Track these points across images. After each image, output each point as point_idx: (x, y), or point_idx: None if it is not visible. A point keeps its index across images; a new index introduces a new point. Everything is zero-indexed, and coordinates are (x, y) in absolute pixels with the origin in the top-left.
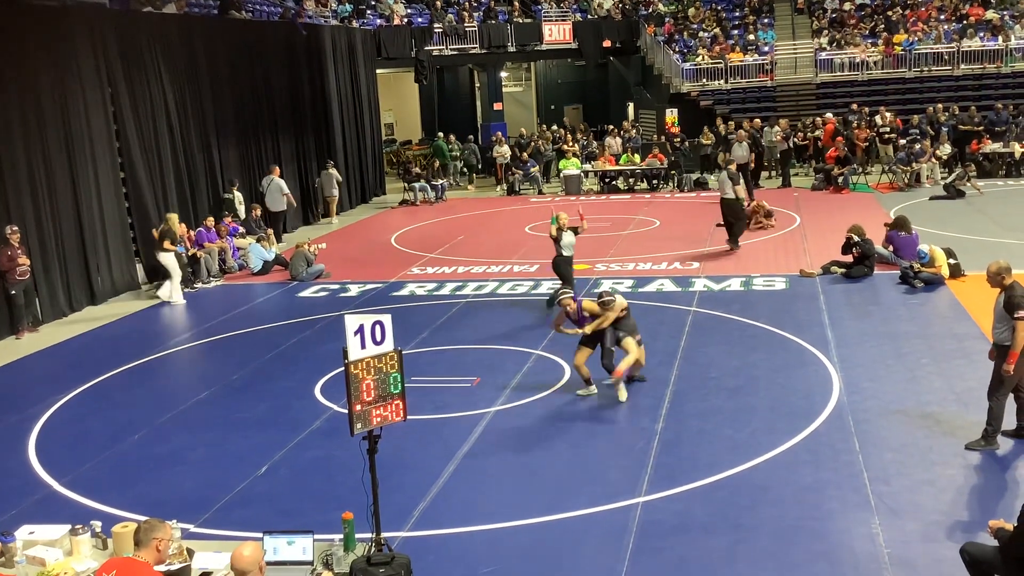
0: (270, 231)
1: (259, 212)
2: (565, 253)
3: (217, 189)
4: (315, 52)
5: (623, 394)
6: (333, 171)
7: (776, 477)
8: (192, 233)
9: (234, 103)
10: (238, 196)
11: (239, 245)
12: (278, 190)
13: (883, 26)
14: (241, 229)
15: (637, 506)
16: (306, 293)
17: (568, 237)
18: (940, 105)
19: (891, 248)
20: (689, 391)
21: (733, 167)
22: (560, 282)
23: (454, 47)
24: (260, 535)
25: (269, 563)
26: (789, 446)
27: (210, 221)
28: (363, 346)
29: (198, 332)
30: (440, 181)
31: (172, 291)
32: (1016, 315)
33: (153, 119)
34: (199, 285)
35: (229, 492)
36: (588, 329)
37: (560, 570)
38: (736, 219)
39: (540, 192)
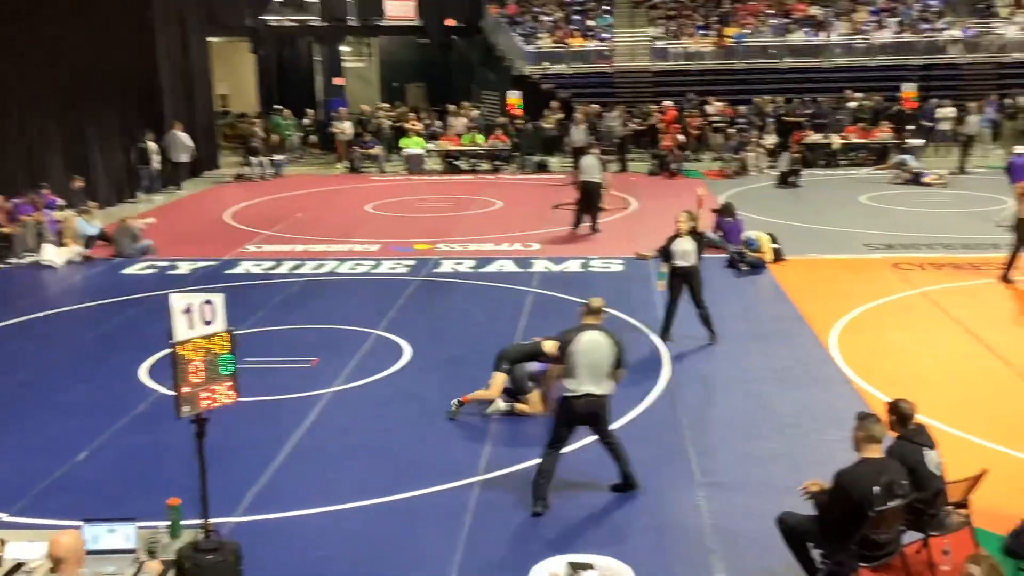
0: (92, 204)
1: (81, 183)
2: (677, 263)
3: (32, 159)
4: (139, 14)
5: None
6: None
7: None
8: (9, 205)
9: (48, 68)
10: (152, 147)
11: (58, 218)
12: (181, 143)
13: (716, 18)
14: (60, 201)
15: (476, 485)
16: (132, 270)
17: (683, 243)
18: (767, 96)
19: (720, 233)
20: None
21: (597, 150)
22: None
23: (293, 18)
24: (79, 523)
25: (89, 552)
26: (621, 424)
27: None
28: (191, 326)
29: (12, 310)
30: (279, 156)
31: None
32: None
33: None
34: (13, 261)
35: (46, 479)
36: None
37: (397, 551)
38: (596, 203)
39: (382, 171)
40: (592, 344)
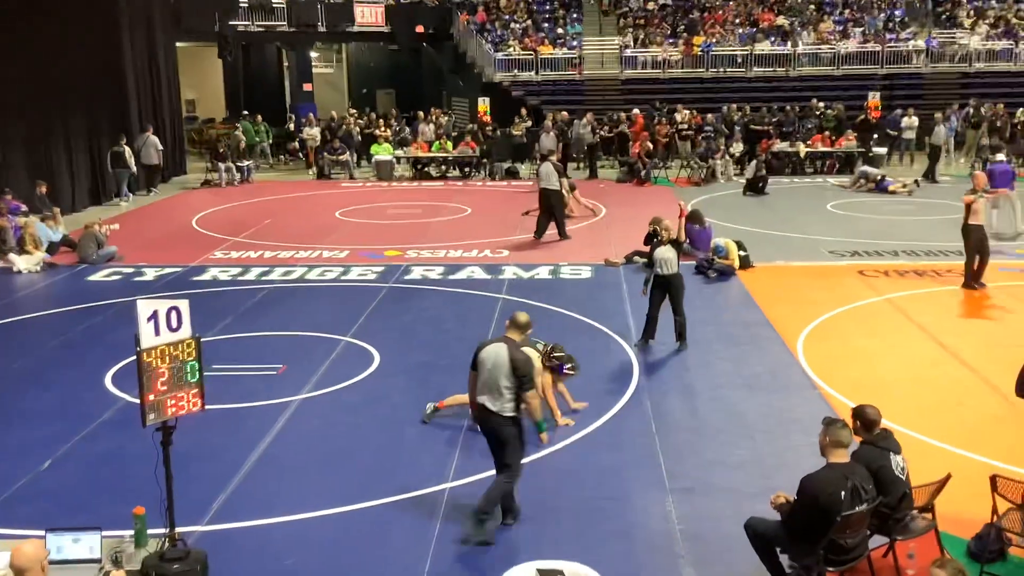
0: (56, 210)
1: (45, 189)
2: (658, 270)
3: None
4: (107, 17)
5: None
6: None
7: (578, 460)
8: None
9: (13, 72)
10: (127, 150)
11: (21, 224)
12: (153, 146)
13: (683, 27)
14: (23, 207)
15: (445, 492)
16: (96, 277)
17: (665, 251)
18: (734, 105)
19: (687, 240)
20: None
21: (555, 158)
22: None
23: (260, 23)
24: (43, 533)
25: (53, 562)
26: (592, 429)
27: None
28: (157, 333)
29: None
30: (247, 162)
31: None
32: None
33: None
34: None
35: (9, 488)
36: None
37: (365, 559)
38: (557, 210)
39: (351, 177)
40: (493, 357)
